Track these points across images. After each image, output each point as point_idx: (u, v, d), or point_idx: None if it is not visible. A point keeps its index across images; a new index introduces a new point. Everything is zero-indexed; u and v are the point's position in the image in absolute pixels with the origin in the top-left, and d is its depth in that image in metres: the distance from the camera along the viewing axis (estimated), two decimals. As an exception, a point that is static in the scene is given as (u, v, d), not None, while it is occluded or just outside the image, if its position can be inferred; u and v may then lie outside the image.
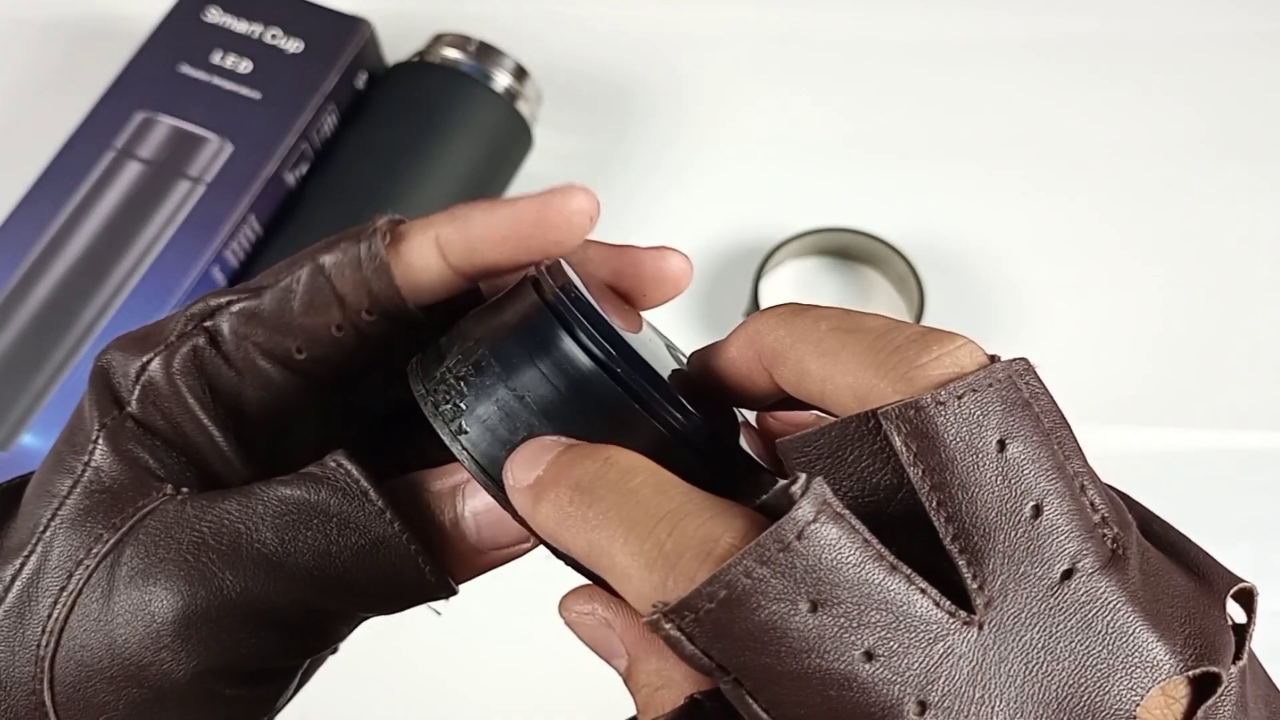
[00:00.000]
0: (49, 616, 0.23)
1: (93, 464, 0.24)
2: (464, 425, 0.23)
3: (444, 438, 0.23)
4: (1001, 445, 0.19)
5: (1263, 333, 0.63)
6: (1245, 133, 0.69)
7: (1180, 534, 0.22)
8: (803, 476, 0.18)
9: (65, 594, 0.23)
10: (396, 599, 0.25)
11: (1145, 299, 0.64)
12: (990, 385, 0.19)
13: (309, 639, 0.25)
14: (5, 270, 0.55)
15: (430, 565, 0.24)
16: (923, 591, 0.18)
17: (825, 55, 0.72)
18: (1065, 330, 0.62)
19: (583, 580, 0.24)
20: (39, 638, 0.23)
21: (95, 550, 0.24)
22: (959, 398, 0.19)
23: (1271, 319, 0.63)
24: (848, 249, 0.65)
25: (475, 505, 0.25)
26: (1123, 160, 0.68)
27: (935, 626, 0.18)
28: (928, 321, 0.60)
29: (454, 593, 0.25)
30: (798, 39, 0.73)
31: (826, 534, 0.18)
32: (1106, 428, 0.59)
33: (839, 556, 0.18)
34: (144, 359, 0.25)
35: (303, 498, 0.24)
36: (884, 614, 0.18)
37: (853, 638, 0.17)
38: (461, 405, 0.23)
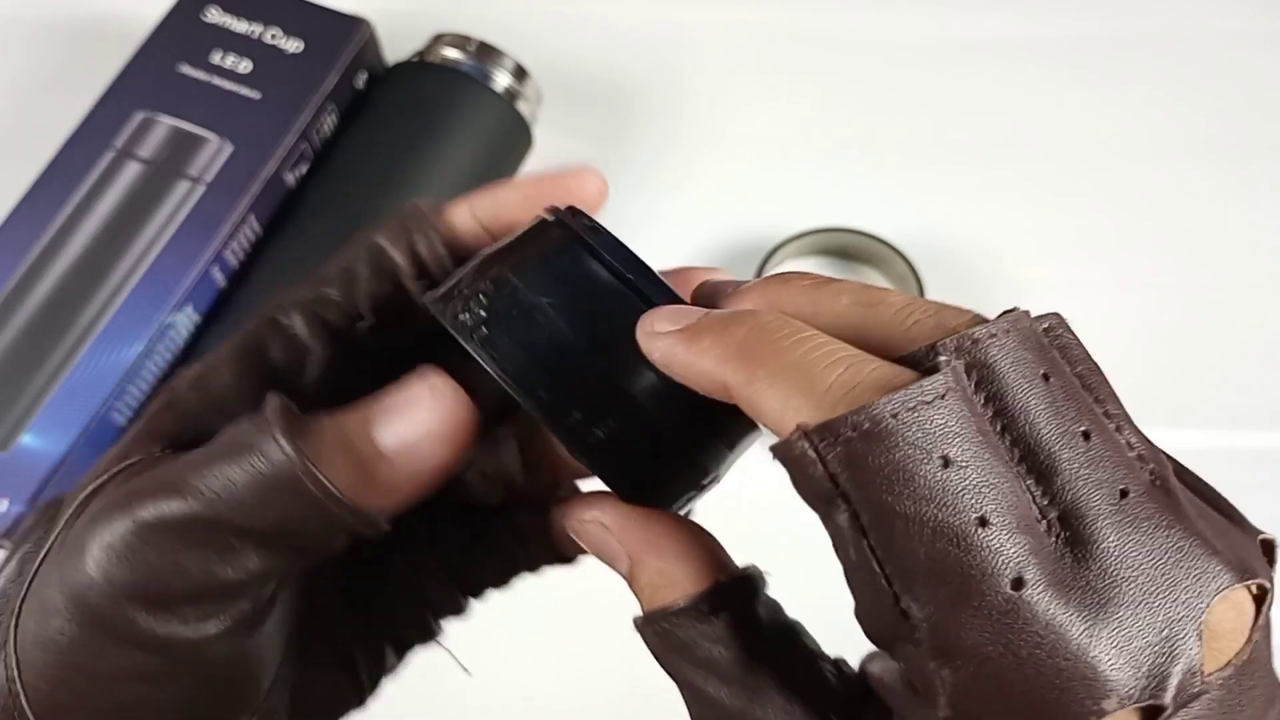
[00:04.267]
0: (19, 582, 0.24)
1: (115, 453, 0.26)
2: (484, 332, 0.24)
3: (464, 343, 0.24)
4: (1046, 378, 0.20)
5: (1263, 333, 0.63)
6: (1245, 133, 0.69)
7: (1209, 485, 0.23)
8: (950, 342, 0.20)
9: (39, 559, 0.24)
10: (315, 530, 0.24)
11: (1145, 299, 0.64)
12: (1023, 327, 0.20)
13: (228, 565, 0.24)
14: (5, 270, 0.55)
15: (335, 488, 0.23)
16: (1026, 489, 0.19)
17: (825, 55, 0.72)
18: (1065, 330, 0.62)
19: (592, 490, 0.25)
20: (10, 605, 0.24)
21: (72, 510, 0.24)
22: (1006, 332, 0.20)
23: (1271, 319, 0.63)
24: (848, 249, 0.65)
25: (385, 437, 0.24)
26: (1123, 160, 0.68)
27: (1031, 518, 0.19)
28: (928, 321, 0.60)
29: (381, 528, 0.24)
30: (798, 39, 0.73)
31: (961, 406, 0.19)
32: (1107, 428, 0.59)
33: (970, 427, 0.19)
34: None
35: (230, 433, 0.24)
36: (999, 491, 0.19)
37: (974, 500, 0.18)
38: (481, 314, 0.24)
